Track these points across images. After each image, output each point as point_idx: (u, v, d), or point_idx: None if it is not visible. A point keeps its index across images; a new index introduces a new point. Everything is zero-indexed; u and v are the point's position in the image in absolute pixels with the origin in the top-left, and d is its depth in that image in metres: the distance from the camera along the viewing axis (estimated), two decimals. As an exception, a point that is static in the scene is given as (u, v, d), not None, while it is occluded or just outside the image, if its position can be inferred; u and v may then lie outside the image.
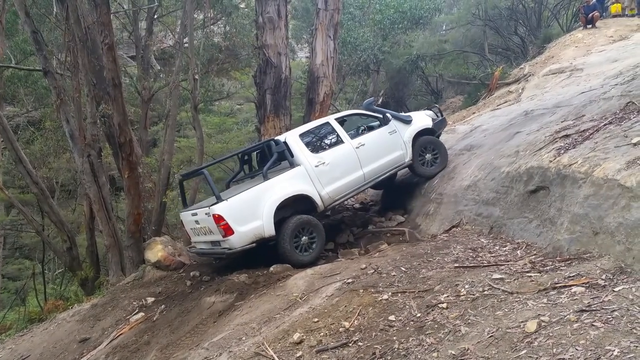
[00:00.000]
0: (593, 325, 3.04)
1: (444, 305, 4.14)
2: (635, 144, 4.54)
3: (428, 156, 8.67)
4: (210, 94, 16.69)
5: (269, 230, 7.01)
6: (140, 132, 15.01)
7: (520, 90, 13.98)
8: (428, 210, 8.21)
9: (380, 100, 21.47)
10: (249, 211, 6.94)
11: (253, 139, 18.55)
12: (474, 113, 14.80)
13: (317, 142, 8.27)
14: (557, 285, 3.77)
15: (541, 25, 21.52)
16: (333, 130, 8.17)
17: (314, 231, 7.34)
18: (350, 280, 5.40)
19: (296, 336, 4.36)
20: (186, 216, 7.72)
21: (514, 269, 4.51)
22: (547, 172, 5.32)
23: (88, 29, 9.20)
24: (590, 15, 16.88)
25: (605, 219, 4.10)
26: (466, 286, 4.39)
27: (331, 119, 8.29)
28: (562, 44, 16.67)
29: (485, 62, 21.05)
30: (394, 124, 8.47)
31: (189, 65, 11.71)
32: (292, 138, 7.77)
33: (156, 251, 8.27)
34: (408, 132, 8.51)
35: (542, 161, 5.59)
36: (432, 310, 4.15)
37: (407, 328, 4.02)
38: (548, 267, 4.27)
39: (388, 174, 8.36)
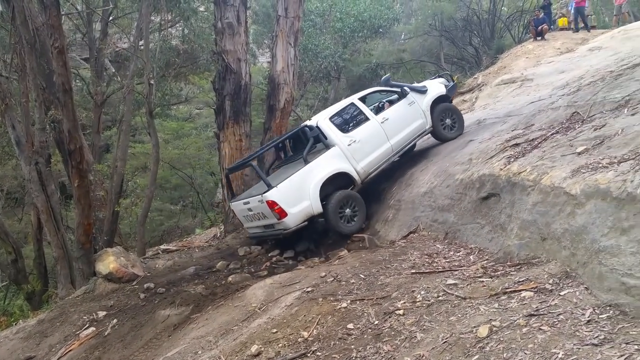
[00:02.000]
0: (541, 329, 3.15)
1: (401, 311, 4.19)
2: (579, 153, 4.75)
3: (448, 121, 9.22)
4: (167, 98, 16.37)
5: (317, 208, 7.78)
6: (93, 137, 14.53)
7: (473, 100, 14.44)
8: (387, 217, 8.32)
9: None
10: (298, 193, 7.65)
11: (212, 145, 18.29)
12: (430, 121, 15.12)
13: (345, 122, 8.76)
14: (508, 290, 3.89)
15: (494, 36, 22.33)
16: (358, 109, 8.75)
17: (355, 204, 8.14)
18: (309, 289, 5.38)
19: (254, 348, 4.30)
20: (238, 205, 8.45)
21: (467, 274, 4.62)
22: (498, 179, 5.48)
23: (37, 31, 8.79)
24: (540, 27, 17.69)
25: (552, 225, 4.26)
26: (422, 292, 4.46)
27: (355, 99, 8.89)
28: (514, 54, 17.36)
29: (441, 72, 21.59)
30: (411, 95, 9.02)
31: (144, 69, 11.44)
32: (324, 122, 8.38)
33: (108, 263, 8.00)
34: (425, 101, 9.08)
35: (493, 169, 5.77)
36: (390, 317, 4.19)
37: (365, 336, 4.04)
38: (499, 272, 4.40)
39: (412, 142, 9.02)
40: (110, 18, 16.38)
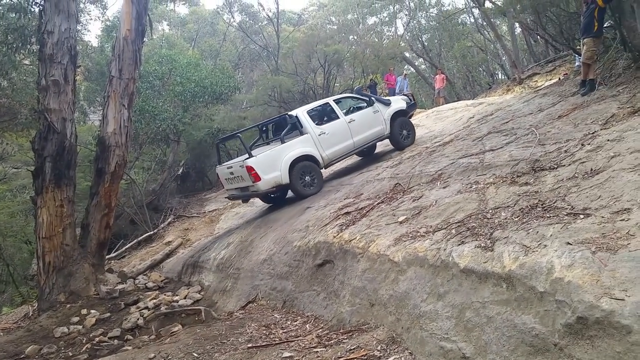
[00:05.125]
0: (370, 399, 3.21)
1: (235, 394, 3.94)
2: (401, 222, 5.23)
3: (405, 132, 11.26)
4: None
5: (285, 179, 9.39)
6: None
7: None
8: (225, 286, 8.02)
9: (181, 171, 21.02)
10: (271, 164, 9.31)
11: (29, 209, 15.97)
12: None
13: (319, 117, 10.77)
14: None
15: (328, 110, 24.27)
16: (332, 108, 10.63)
17: (314, 173, 9.80)
18: (133, 376, 4.79)
19: None
20: (222, 169, 10.20)
21: (303, 345, 4.59)
22: (332, 246, 5.72)
23: None
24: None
25: (379, 291, 4.51)
26: (258, 369, 4.28)
27: (330, 100, 10.89)
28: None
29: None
30: (377, 105, 10.97)
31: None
32: (302, 113, 10.20)
33: None
34: (387, 112, 11.04)
35: (327, 236, 6.01)
36: (222, 402, 3.89)
37: None
38: (332, 341, 4.45)
39: (371, 143, 10.99)
40: None
